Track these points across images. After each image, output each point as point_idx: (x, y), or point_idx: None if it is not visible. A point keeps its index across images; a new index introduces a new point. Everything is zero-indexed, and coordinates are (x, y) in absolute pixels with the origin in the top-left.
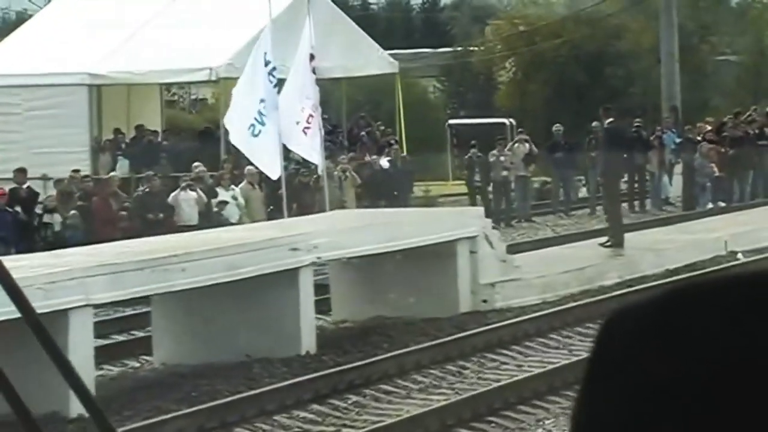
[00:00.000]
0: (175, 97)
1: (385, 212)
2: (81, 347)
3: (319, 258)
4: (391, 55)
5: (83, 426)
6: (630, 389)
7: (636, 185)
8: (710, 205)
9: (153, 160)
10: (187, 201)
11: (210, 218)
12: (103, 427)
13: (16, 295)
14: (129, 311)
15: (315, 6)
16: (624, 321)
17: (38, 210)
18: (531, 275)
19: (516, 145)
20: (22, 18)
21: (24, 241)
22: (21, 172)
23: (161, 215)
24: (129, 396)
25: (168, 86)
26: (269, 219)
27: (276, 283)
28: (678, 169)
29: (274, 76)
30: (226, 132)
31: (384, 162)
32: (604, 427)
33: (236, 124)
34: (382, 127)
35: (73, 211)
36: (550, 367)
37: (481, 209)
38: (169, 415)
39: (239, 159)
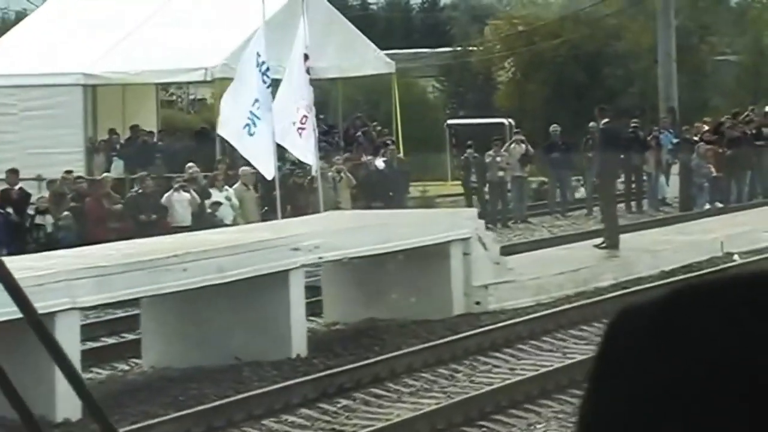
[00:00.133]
0: (173, 97)
1: (378, 213)
2: (67, 351)
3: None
4: (390, 55)
5: (70, 430)
6: (633, 389)
7: (633, 186)
8: (708, 206)
9: (148, 161)
10: (180, 202)
11: (204, 219)
12: (104, 427)
13: (17, 295)
14: (120, 313)
15: (311, 6)
16: (628, 321)
17: (30, 211)
18: (525, 277)
19: (512, 145)
20: (21, 18)
21: (15, 242)
22: (13, 172)
23: (154, 216)
24: (116, 400)
25: (166, 86)
26: (263, 220)
27: (267, 286)
28: (675, 169)
29: (268, 77)
30: None
31: (379, 162)
32: (609, 425)
33: (231, 125)
34: (379, 128)
35: (65, 213)
36: (543, 370)
37: (474, 210)
38: (155, 420)
39: (234, 160)
